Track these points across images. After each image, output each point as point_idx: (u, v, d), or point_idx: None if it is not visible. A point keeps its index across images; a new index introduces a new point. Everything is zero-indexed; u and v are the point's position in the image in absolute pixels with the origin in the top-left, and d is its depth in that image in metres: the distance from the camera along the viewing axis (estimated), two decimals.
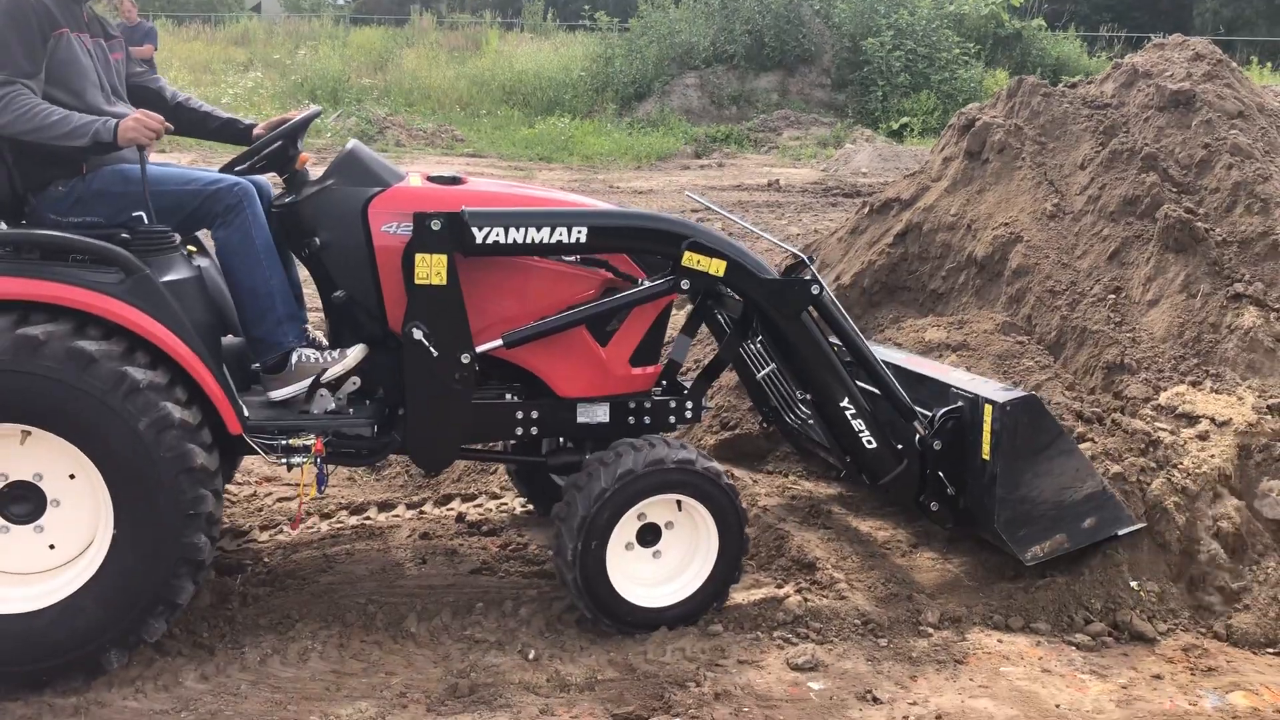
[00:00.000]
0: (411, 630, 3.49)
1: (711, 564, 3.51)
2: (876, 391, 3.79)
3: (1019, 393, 3.63)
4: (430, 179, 3.62)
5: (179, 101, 3.79)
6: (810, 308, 3.61)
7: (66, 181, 3.34)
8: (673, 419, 3.70)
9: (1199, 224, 4.48)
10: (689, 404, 3.71)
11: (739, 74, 21.73)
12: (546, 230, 3.38)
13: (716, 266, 3.48)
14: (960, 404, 3.70)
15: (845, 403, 3.66)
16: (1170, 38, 5.65)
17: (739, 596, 3.69)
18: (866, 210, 5.77)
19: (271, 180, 3.70)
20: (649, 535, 3.51)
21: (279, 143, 3.50)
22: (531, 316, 3.50)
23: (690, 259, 3.47)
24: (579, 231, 3.41)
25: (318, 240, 3.46)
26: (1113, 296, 4.46)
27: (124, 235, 3.26)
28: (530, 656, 3.36)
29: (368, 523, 4.35)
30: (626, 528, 3.44)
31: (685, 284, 3.51)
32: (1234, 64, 5.35)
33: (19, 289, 3.02)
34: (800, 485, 4.66)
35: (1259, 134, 4.91)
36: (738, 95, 21.38)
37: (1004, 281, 4.76)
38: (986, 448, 3.58)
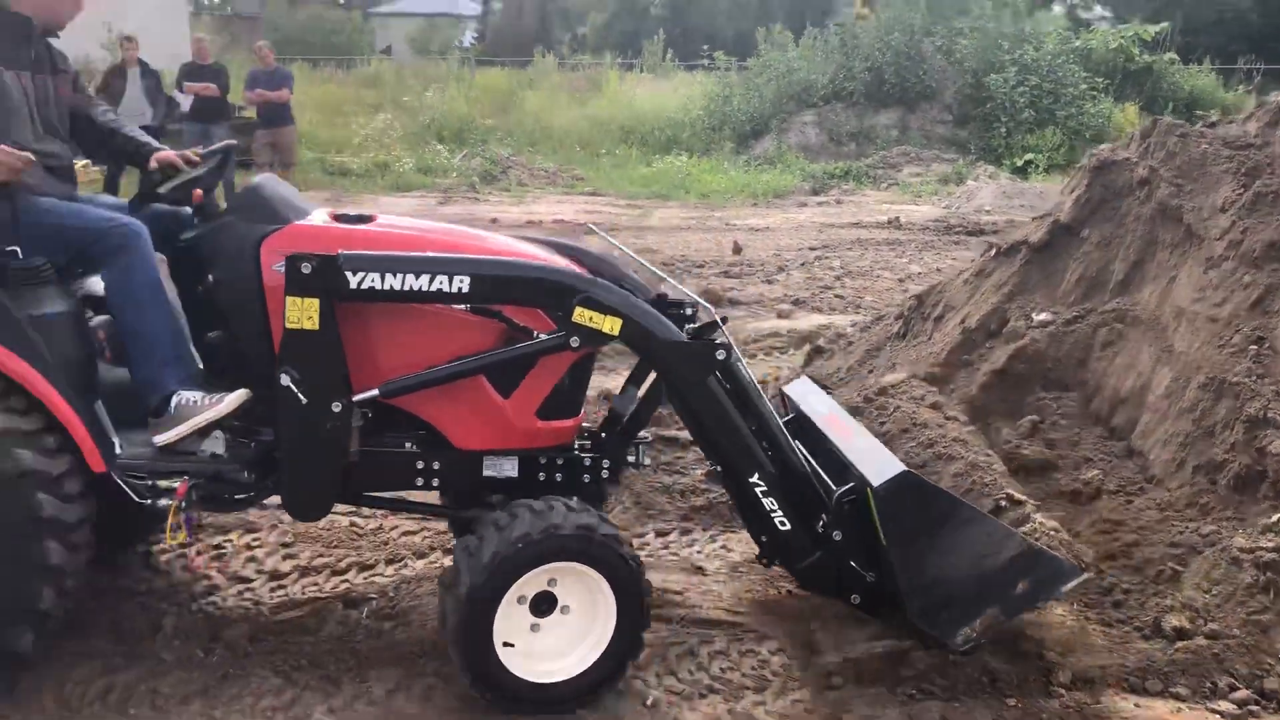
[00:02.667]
0: None
1: (609, 636, 3.23)
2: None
3: (894, 469, 3.30)
4: (335, 217, 3.50)
5: (111, 129, 3.81)
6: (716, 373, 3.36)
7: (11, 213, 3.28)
8: (587, 477, 3.49)
9: None
10: (605, 463, 3.51)
11: (858, 111, 21.60)
12: (426, 278, 3.19)
13: (611, 325, 3.26)
14: (852, 484, 3.42)
15: (755, 478, 3.40)
16: None
17: (861, 648, 3.63)
18: (993, 252, 5.66)
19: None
20: (543, 604, 3.25)
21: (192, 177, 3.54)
22: (420, 365, 3.34)
23: (582, 315, 3.25)
24: (461, 281, 3.20)
25: (211, 277, 3.40)
26: (1254, 347, 4.27)
27: None
28: (648, 702, 3.36)
29: None
30: (512, 608, 3.18)
31: (575, 341, 3.28)
32: None
33: None
34: None
35: None
36: (856, 132, 21.24)
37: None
38: (881, 534, 3.30)
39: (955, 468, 3.84)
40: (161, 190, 3.56)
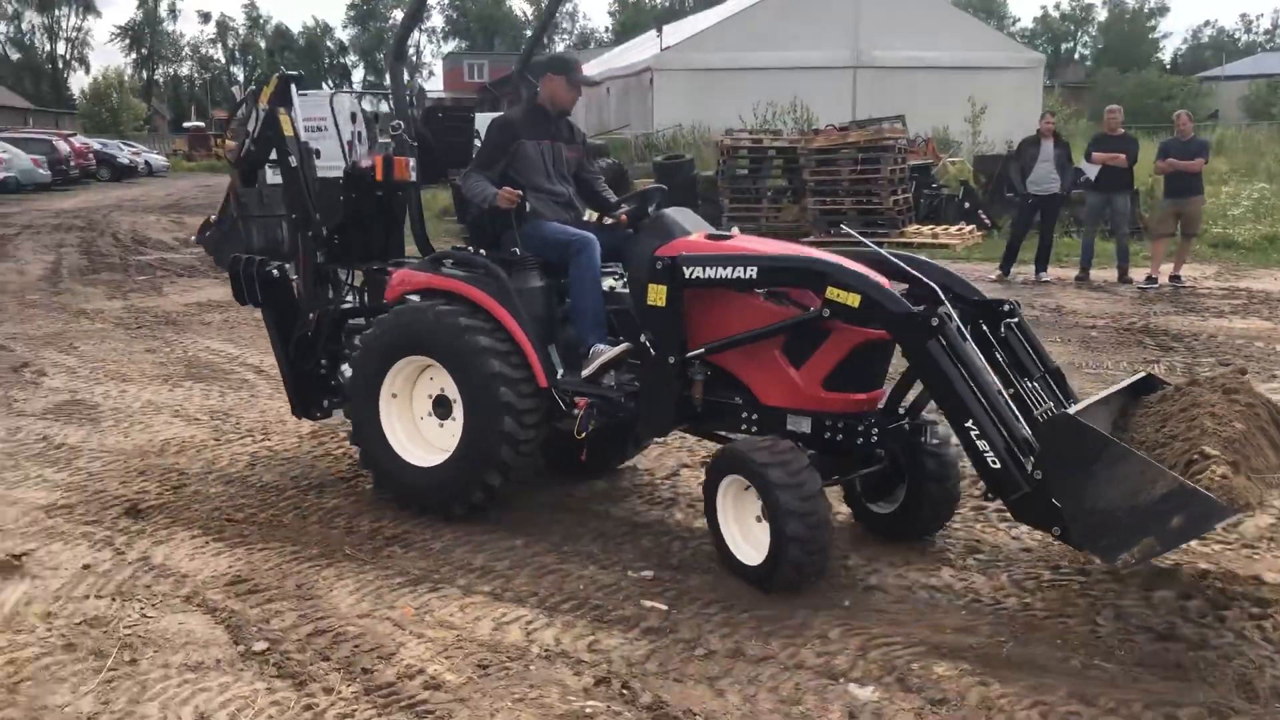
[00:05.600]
0: None
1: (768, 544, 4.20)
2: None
3: (1054, 413, 4.06)
4: (707, 237, 4.78)
5: (594, 191, 5.62)
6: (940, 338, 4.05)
7: (518, 228, 5.18)
8: (859, 440, 4.41)
9: None
10: (875, 430, 4.38)
11: None
12: (729, 269, 4.42)
13: (852, 299, 4.16)
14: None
15: (969, 424, 4.00)
16: None
17: None
18: None
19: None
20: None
21: (624, 207, 5.27)
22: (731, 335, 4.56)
23: (832, 293, 4.21)
24: (751, 270, 4.40)
25: (628, 274, 4.99)
26: None
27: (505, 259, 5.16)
28: None
29: None
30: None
31: (826, 312, 4.25)
32: None
33: (436, 282, 5.19)
34: None
35: None
36: None
37: None
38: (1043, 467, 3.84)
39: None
40: (615, 212, 5.30)
